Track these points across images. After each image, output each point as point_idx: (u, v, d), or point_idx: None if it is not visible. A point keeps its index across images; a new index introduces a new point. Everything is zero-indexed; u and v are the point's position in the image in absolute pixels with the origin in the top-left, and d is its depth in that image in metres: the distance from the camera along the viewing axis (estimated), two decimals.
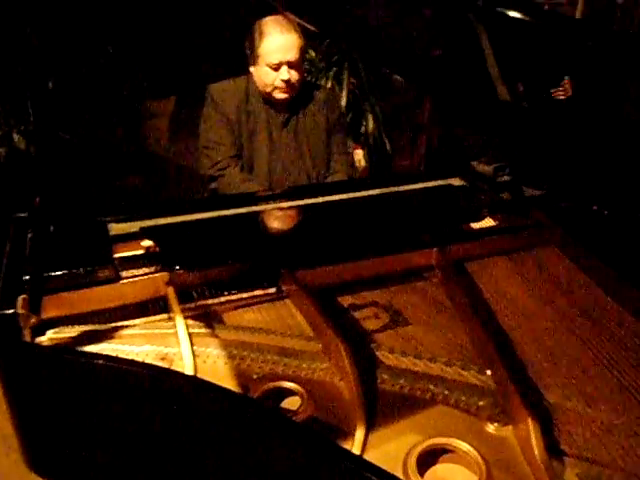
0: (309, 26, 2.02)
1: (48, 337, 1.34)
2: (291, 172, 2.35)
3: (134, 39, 4.50)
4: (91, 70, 4.61)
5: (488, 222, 1.76)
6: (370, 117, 2.96)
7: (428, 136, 3.48)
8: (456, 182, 1.89)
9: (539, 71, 1.82)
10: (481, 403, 1.15)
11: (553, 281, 1.55)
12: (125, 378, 1.11)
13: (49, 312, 1.38)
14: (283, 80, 2.15)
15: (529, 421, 1.02)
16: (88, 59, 4.58)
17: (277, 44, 2.11)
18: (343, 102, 2.87)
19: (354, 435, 1.06)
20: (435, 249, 1.57)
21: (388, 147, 3.03)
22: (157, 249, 1.53)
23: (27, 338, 1.28)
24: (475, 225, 1.74)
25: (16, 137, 5.09)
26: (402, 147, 3.17)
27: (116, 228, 1.61)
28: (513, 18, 1.49)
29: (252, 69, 2.24)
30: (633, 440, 1.06)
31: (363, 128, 2.98)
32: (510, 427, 1.09)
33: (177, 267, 1.45)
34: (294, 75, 2.17)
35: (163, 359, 1.26)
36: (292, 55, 2.12)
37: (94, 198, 3.53)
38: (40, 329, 1.34)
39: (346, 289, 1.53)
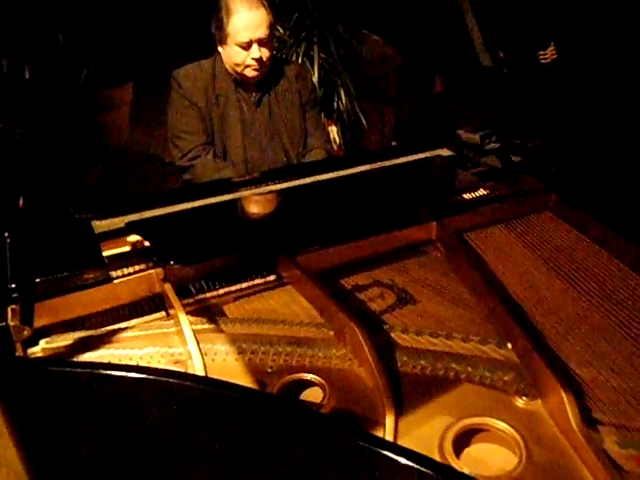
0: None
1: (41, 347, 1.26)
2: (268, 152, 2.28)
3: (85, 25, 4.31)
4: (41, 60, 4.41)
5: (480, 191, 1.73)
6: (342, 92, 2.89)
7: (397, 108, 3.44)
8: (444, 152, 1.85)
9: (523, 36, 1.78)
10: (506, 378, 1.12)
11: (554, 246, 1.52)
12: (135, 386, 1.04)
13: (40, 320, 1.29)
14: (254, 58, 2.08)
15: (561, 392, 1.00)
16: (37, 48, 4.38)
17: (246, 21, 2.02)
18: (315, 78, 2.80)
19: (384, 423, 1.02)
20: (434, 222, 1.53)
21: (363, 122, 2.98)
22: (146, 244, 1.45)
23: (18, 351, 1.20)
24: (468, 195, 1.71)
25: None
26: (372, 121, 3.12)
27: (99, 225, 1.51)
28: None
29: (220, 49, 2.15)
30: None
31: (336, 104, 2.92)
32: (539, 400, 1.07)
33: (171, 262, 1.38)
34: (265, 52, 2.09)
35: (177, 362, 1.19)
36: (262, 32, 2.04)
37: (60, 195, 3.39)
38: (32, 339, 1.26)
39: (346, 270, 1.48)
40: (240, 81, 2.19)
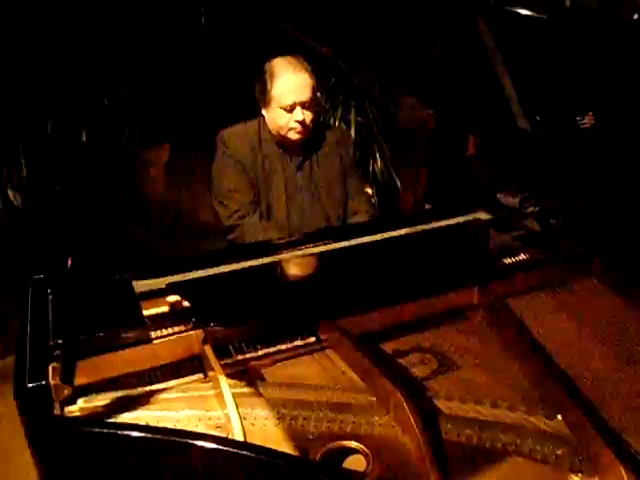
0: (321, 49, 1.99)
1: (79, 406, 1.25)
2: (309, 215, 2.28)
3: (128, 87, 4.47)
4: (85, 121, 4.57)
5: (521, 256, 1.70)
6: (378, 155, 2.93)
7: (430, 170, 3.46)
8: (482, 216, 1.84)
9: (561, 101, 1.79)
10: (559, 452, 1.07)
11: (599, 314, 1.48)
12: (169, 449, 1.03)
13: (79, 379, 1.29)
14: (297, 121, 2.10)
15: (621, 471, 0.95)
16: (82, 111, 4.55)
17: (290, 85, 2.07)
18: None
19: None
20: (476, 288, 1.51)
21: (398, 184, 3.00)
22: (186, 305, 1.45)
23: (56, 409, 1.19)
24: (508, 260, 1.68)
25: (11, 193, 5.01)
26: (407, 183, 3.14)
27: (140, 285, 1.52)
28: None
29: (264, 112, 2.19)
30: None
31: (371, 167, 2.95)
32: (596, 478, 1.01)
33: (212, 323, 1.37)
34: (308, 115, 2.12)
35: (218, 427, 1.16)
36: (305, 95, 2.08)
37: (102, 253, 3.45)
38: (70, 398, 1.25)
39: (386, 335, 1.46)
40: (283, 144, 2.22)
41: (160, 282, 1.53)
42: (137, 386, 1.31)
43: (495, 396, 1.22)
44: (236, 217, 2.20)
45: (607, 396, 1.20)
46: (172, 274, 1.58)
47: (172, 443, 0.98)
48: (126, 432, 1.07)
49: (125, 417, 1.22)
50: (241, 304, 1.47)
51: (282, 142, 2.20)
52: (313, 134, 2.21)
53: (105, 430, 1.10)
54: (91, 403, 1.26)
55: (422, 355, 1.41)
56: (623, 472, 0.95)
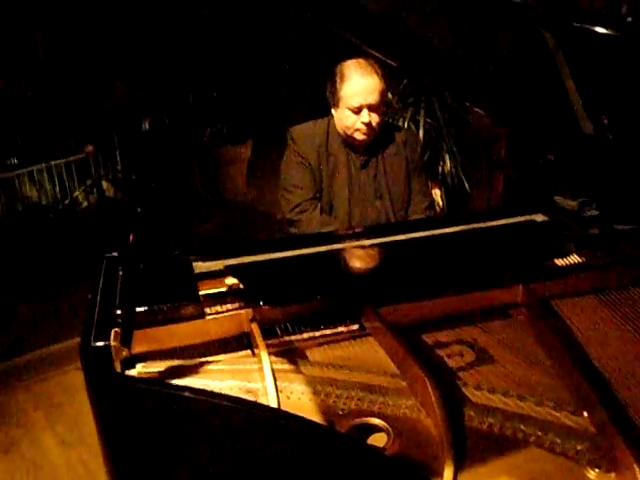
0: (390, 61, 2.05)
1: (137, 371, 1.37)
2: (370, 214, 2.34)
3: (213, 87, 4.69)
4: (173, 119, 4.84)
5: (575, 259, 1.69)
6: (447, 156, 2.95)
7: (506, 173, 3.43)
8: (539, 218, 1.84)
9: (628, 102, 1.76)
10: (579, 447, 1.09)
11: None
12: (212, 410, 1.13)
13: (138, 347, 1.42)
14: (364, 123, 2.18)
15: (636, 469, 0.96)
16: (171, 108, 4.82)
17: (358, 87, 2.14)
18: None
19: (442, 474, 1.02)
20: (521, 286, 1.52)
21: (467, 186, 3.00)
22: (240, 286, 1.56)
23: (118, 371, 1.32)
24: (561, 262, 1.68)
25: (105, 185, 5.38)
26: (479, 185, 3.13)
27: (200, 266, 1.65)
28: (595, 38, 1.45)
29: (333, 111, 2.28)
30: None
31: (440, 168, 2.98)
32: (613, 474, 1.03)
33: (261, 303, 1.47)
34: (374, 118, 2.19)
35: (249, 392, 1.26)
36: (373, 98, 2.14)
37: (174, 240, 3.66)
38: (131, 363, 1.38)
39: (430, 327, 1.50)
40: (350, 143, 2.30)
41: (219, 264, 1.65)
42: (190, 357, 1.43)
43: (525, 390, 1.25)
44: (297, 211, 2.30)
45: None
46: (233, 258, 1.69)
47: (213, 405, 1.09)
48: (176, 392, 1.18)
49: (177, 382, 1.34)
50: (290, 288, 1.56)
51: (348, 141, 2.28)
52: (381, 134, 2.27)
53: (157, 388, 1.22)
54: (148, 369, 1.39)
55: (461, 347, 1.44)
56: (637, 469, 0.95)
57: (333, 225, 2.28)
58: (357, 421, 1.18)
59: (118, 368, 1.30)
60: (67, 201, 4.97)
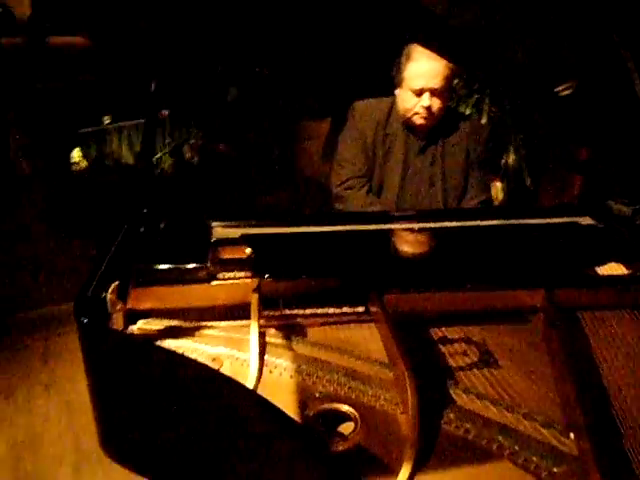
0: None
1: (138, 326, 1.41)
2: (420, 201, 2.27)
3: (293, 60, 4.69)
4: (253, 90, 4.89)
5: (619, 269, 1.55)
6: (511, 149, 2.78)
7: (585, 175, 3.21)
8: (585, 221, 1.70)
9: None
10: (555, 469, 1.00)
11: None
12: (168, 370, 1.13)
13: (143, 304, 1.45)
14: (423, 107, 2.10)
15: None
16: (251, 80, 4.86)
17: (422, 70, 2.06)
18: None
19: (397, 473, 0.97)
20: (543, 290, 1.41)
21: (528, 182, 2.83)
22: (251, 256, 1.55)
23: (119, 323, 1.36)
24: (602, 270, 1.55)
25: (186, 150, 5.56)
26: (549, 184, 2.94)
27: (220, 232, 1.65)
28: None
29: (396, 92, 2.21)
30: None
31: (503, 160, 2.82)
32: None
33: (266, 275, 1.45)
34: (436, 103, 2.10)
35: (236, 360, 1.28)
36: (436, 82, 2.06)
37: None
38: (134, 318, 1.41)
39: (440, 321, 1.43)
40: (409, 126, 2.22)
41: (237, 232, 1.65)
42: (190, 320, 1.44)
43: (518, 401, 1.16)
44: (345, 187, 2.27)
45: None
46: (254, 227, 1.68)
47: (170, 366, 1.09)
48: (150, 353, 1.19)
49: (170, 342, 1.36)
50: (299, 263, 1.53)
51: (408, 124, 2.21)
52: (444, 121, 2.18)
53: (134, 345, 1.24)
54: (148, 326, 1.42)
55: (467, 347, 1.37)
56: None
57: (378, 206, 2.23)
58: (327, 406, 1.14)
59: (120, 322, 1.33)
60: (155, 160, 5.17)
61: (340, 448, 1.05)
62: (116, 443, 1.33)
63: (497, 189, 2.75)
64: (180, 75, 5.06)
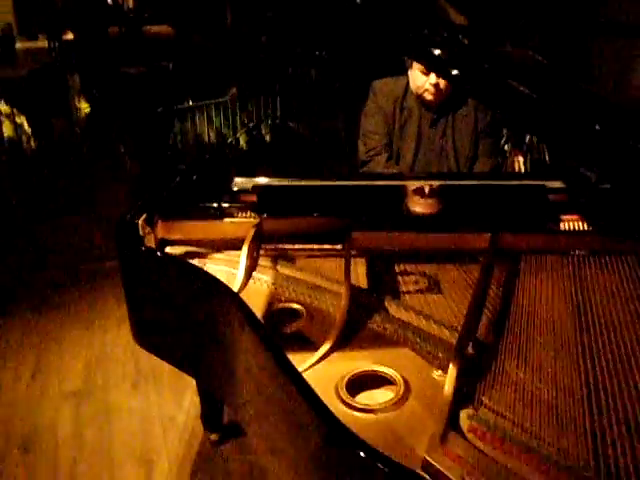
0: None
1: (166, 251, 1.81)
2: (432, 169, 2.54)
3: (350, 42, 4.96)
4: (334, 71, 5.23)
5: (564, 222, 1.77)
6: None
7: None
8: (555, 184, 1.92)
9: None
10: (441, 355, 1.29)
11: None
12: (182, 275, 1.53)
13: (172, 234, 1.84)
14: (431, 84, 2.36)
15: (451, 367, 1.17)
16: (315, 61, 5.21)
17: None
18: None
19: (319, 348, 1.31)
20: (489, 234, 1.68)
21: (546, 157, 2.99)
22: (256, 202, 1.91)
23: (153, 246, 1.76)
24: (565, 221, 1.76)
25: (263, 129, 6.01)
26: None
27: (239, 183, 2.02)
28: None
29: (409, 72, 2.49)
30: None
31: (527, 137, 2.99)
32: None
33: (265, 214, 1.81)
34: (442, 80, 2.35)
35: (231, 275, 1.65)
36: None
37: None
38: (164, 244, 1.82)
39: (406, 259, 1.72)
40: (422, 101, 2.50)
41: (251, 182, 2.02)
42: (204, 247, 1.83)
43: (434, 312, 1.46)
44: (372, 154, 2.58)
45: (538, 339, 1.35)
46: (268, 178, 2.05)
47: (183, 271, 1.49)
48: (164, 258, 1.60)
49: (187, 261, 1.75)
50: (295, 209, 1.85)
51: (420, 99, 2.48)
52: (454, 95, 2.43)
53: (163, 257, 1.65)
54: (174, 250, 1.82)
55: (420, 277, 1.66)
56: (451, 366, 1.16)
57: (395, 171, 2.53)
58: (283, 304, 1.50)
59: (148, 242, 1.73)
60: (231, 140, 5.66)
61: (288, 330, 1.40)
62: (141, 334, 1.76)
63: (519, 163, 2.94)
64: (260, 58, 5.50)
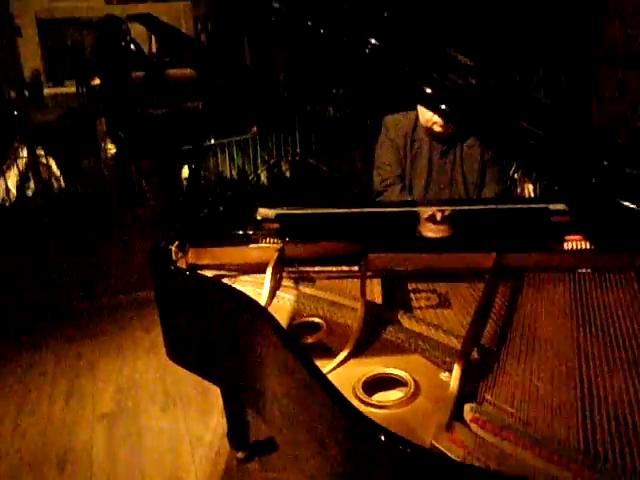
0: None
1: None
2: (443, 196, 2.70)
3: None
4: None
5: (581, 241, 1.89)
6: None
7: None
8: (558, 207, 2.06)
9: None
10: (448, 359, 1.42)
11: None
12: (212, 292, 1.68)
13: (202, 260, 2.00)
14: (440, 117, 2.53)
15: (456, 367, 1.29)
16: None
17: None
18: None
19: (338, 354, 1.45)
20: (494, 254, 1.81)
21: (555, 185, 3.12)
22: (280, 229, 2.07)
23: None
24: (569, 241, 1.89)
25: (283, 166, 6.22)
26: None
27: (262, 213, 2.19)
28: None
29: (418, 106, 2.66)
30: None
31: None
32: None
33: (287, 240, 1.97)
34: None
35: (257, 294, 1.78)
36: None
37: None
38: (194, 269, 1.98)
39: (417, 278, 1.86)
40: (431, 133, 2.67)
41: (274, 212, 2.18)
42: (232, 270, 1.98)
43: (443, 323, 1.59)
44: (386, 184, 2.75)
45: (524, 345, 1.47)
46: (290, 209, 2.22)
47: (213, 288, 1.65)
48: (194, 276, 1.76)
49: None
50: (314, 235, 2.01)
51: (430, 132, 2.65)
52: (462, 126, 2.61)
53: (194, 277, 1.81)
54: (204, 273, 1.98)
55: (431, 295, 1.80)
56: (457, 367, 1.29)
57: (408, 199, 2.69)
58: (305, 318, 1.64)
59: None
60: (252, 176, 5.87)
61: (309, 341, 1.54)
62: (174, 349, 1.90)
63: (529, 190, 3.08)
64: (278, 95, 5.74)
